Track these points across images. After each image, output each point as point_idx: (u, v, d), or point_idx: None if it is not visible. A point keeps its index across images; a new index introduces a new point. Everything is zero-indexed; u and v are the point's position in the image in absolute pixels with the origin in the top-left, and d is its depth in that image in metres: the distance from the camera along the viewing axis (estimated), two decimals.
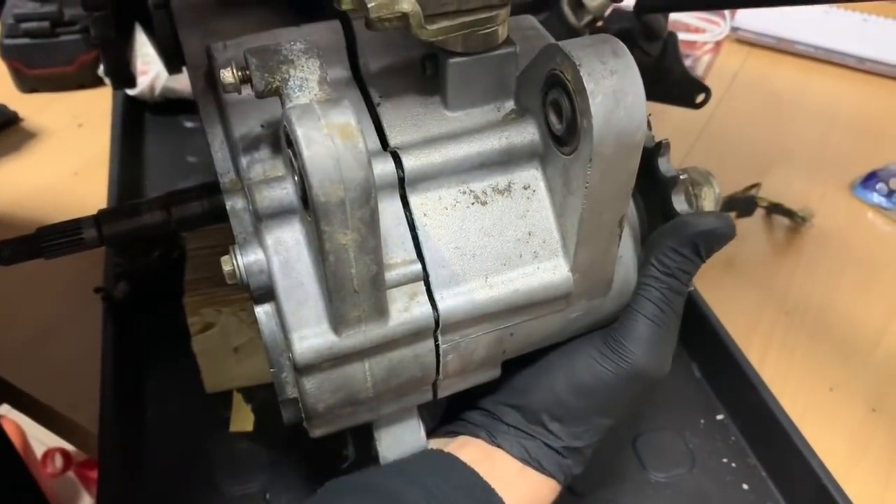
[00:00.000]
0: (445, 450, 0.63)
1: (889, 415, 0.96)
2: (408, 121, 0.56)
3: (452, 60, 0.53)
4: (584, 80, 0.46)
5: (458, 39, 0.51)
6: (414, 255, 0.54)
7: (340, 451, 0.88)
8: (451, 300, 0.54)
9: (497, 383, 0.65)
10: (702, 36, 1.45)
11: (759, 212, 1.11)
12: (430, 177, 0.54)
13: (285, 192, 0.52)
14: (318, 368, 0.53)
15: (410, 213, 0.54)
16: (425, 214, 0.54)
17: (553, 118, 0.52)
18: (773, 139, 1.42)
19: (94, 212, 0.65)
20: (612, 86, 0.46)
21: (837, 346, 1.04)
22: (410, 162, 0.53)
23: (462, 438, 0.65)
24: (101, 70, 1.41)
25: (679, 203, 0.59)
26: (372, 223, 0.47)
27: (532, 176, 0.55)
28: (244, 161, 0.54)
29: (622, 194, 0.52)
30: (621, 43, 0.47)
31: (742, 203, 1.16)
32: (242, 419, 0.92)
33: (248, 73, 0.49)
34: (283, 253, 0.52)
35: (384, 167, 0.53)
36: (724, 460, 0.90)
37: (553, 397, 0.61)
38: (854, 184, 1.29)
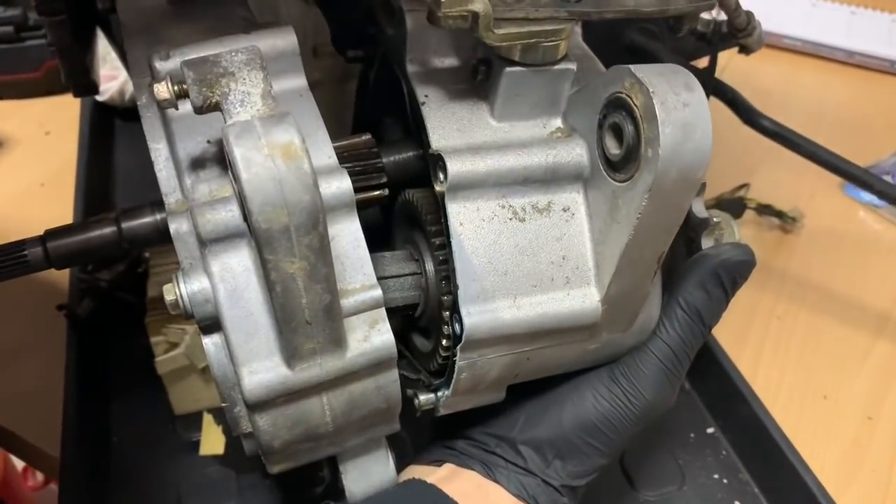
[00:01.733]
0: (429, 480, 0.59)
1: (885, 422, 0.93)
2: (452, 124, 0.54)
3: (509, 69, 0.51)
4: (656, 109, 0.44)
5: (518, 48, 0.50)
6: (374, 280, 0.50)
7: (315, 473, 0.84)
8: (477, 317, 0.52)
9: (487, 411, 0.62)
10: None
11: (749, 213, 1.07)
12: (472, 185, 0.52)
13: (231, 214, 0.48)
14: (271, 404, 0.49)
15: (447, 219, 0.52)
16: (461, 224, 0.52)
17: (610, 142, 0.50)
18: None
19: (60, 225, 0.61)
20: (682, 118, 0.45)
21: (831, 351, 1.01)
22: (455, 167, 0.51)
23: (448, 468, 0.62)
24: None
25: (707, 245, 0.58)
26: (321, 249, 0.43)
27: (573, 199, 0.53)
28: (188, 180, 0.51)
29: (670, 230, 0.51)
30: (693, 76, 0.46)
31: (730, 205, 1.13)
32: (213, 441, 0.88)
33: (184, 86, 0.45)
34: (229, 280, 0.48)
35: (339, 185, 0.50)
36: (716, 476, 0.86)
37: (560, 434, 0.59)
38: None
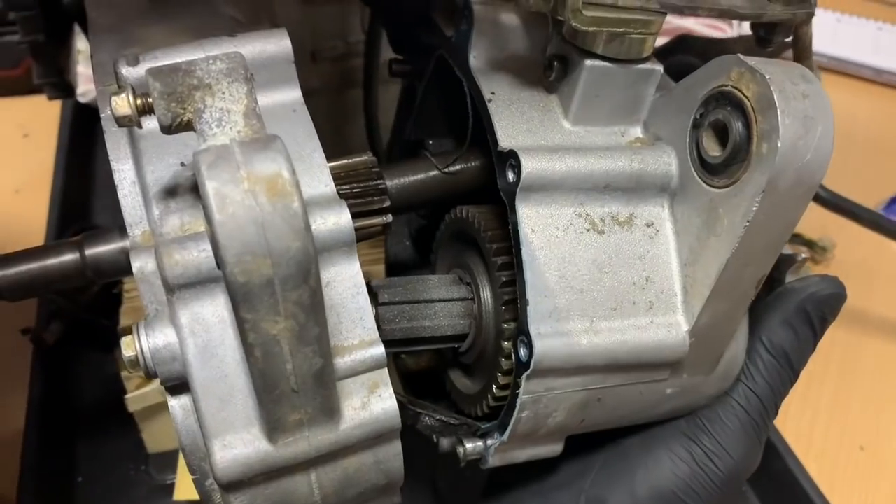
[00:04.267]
0: None
1: None
2: (521, 124, 0.48)
3: (590, 63, 0.46)
4: (775, 97, 0.40)
5: (602, 38, 0.45)
6: (375, 334, 0.42)
7: None
8: (550, 339, 0.45)
9: (536, 474, 0.54)
10: None
11: None
12: (547, 188, 0.46)
13: (205, 254, 0.39)
14: (248, 483, 0.41)
15: (517, 225, 0.45)
16: (533, 230, 0.46)
17: (709, 143, 0.45)
18: None
19: (36, 236, 0.53)
20: (803, 110, 0.40)
21: (866, 396, 0.93)
22: (530, 164, 0.45)
23: None
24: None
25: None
26: (313, 306, 0.35)
27: (657, 214, 0.48)
28: (157, 210, 0.42)
29: (776, 247, 0.46)
30: (808, 69, 0.42)
31: None
32: (189, 485, 0.79)
33: (149, 100, 0.36)
34: (201, 335, 0.40)
35: (337, 220, 0.42)
36: None
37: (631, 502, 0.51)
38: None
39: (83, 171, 1.15)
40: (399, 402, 0.43)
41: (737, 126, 0.42)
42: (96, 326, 0.86)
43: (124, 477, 0.80)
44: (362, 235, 0.52)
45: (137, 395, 0.74)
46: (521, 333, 0.45)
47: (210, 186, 0.32)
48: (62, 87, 0.86)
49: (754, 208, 0.42)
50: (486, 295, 0.51)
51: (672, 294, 0.47)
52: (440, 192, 0.55)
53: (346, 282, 0.42)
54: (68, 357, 0.85)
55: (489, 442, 0.50)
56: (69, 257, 0.51)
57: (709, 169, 0.45)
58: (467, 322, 0.51)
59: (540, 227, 0.46)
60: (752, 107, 0.41)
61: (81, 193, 1.11)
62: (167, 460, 0.81)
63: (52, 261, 0.51)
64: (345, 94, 0.89)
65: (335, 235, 0.41)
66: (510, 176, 0.46)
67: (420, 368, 0.64)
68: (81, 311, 0.87)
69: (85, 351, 0.86)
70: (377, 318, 0.49)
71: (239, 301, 0.34)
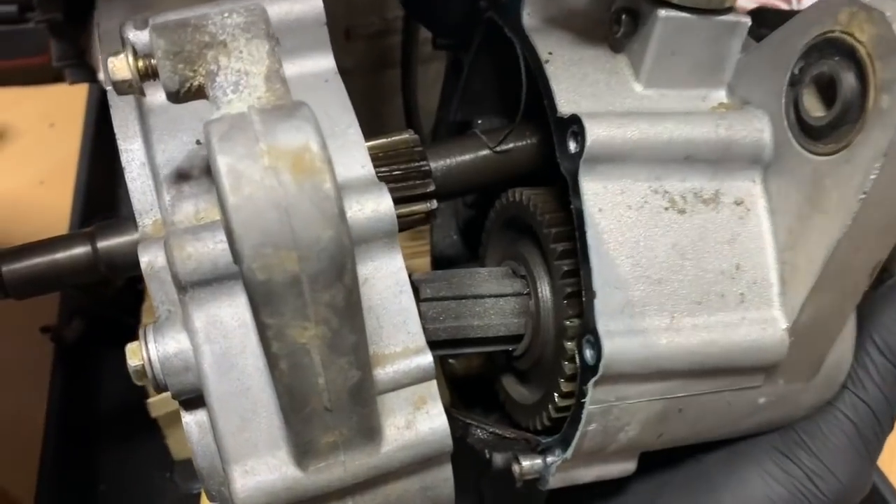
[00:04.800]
0: None
1: None
2: (584, 87, 0.42)
3: (664, 13, 0.40)
4: None
5: None
6: (421, 341, 0.36)
7: None
8: (621, 338, 0.38)
9: (602, 489, 0.47)
10: None
11: None
12: (616, 159, 0.40)
13: (222, 246, 0.34)
14: None
15: (580, 200, 0.39)
16: (600, 210, 0.39)
17: (811, 102, 0.39)
18: None
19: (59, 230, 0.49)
20: None
21: None
22: (596, 130, 0.39)
23: None
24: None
25: None
26: (349, 309, 0.29)
27: (748, 189, 0.42)
28: (168, 196, 0.37)
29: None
30: None
31: None
32: None
33: (153, 62, 0.30)
34: (218, 341, 0.34)
35: (376, 206, 0.35)
36: None
37: None
38: None
39: (109, 161, 1.10)
40: (446, 411, 0.37)
41: (847, 79, 0.36)
42: (120, 324, 0.82)
43: (149, 485, 0.76)
44: (404, 224, 0.46)
45: (160, 400, 0.69)
46: (587, 332, 0.39)
47: (222, 163, 0.26)
48: (83, 69, 0.81)
49: (872, 177, 0.35)
50: (545, 289, 0.45)
51: (767, 285, 0.41)
52: (491, 174, 0.48)
53: (387, 279, 0.36)
54: (90, 357, 0.81)
55: (549, 459, 0.44)
56: (80, 250, 0.46)
57: (811, 133, 0.39)
58: (522, 321, 0.45)
59: (608, 205, 0.40)
60: (868, 53, 0.35)
61: (107, 184, 1.06)
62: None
63: (62, 254, 0.46)
64: (381, 74, 0.84)
65: (374, 224, 0.35)
66: (572, 146, 0.40)
67: (470, 374, 0.58)
68: (104, 308, 0.82)
69: (108, 350, 0.82)
70: (420, 314, 0.43)
71: (259, 303, 0.27)
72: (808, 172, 0.39)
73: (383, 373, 0.35)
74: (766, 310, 0.41)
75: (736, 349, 0.40)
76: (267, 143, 0.26)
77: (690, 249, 0.40)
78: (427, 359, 0.36)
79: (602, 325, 0.38)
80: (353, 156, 0.38)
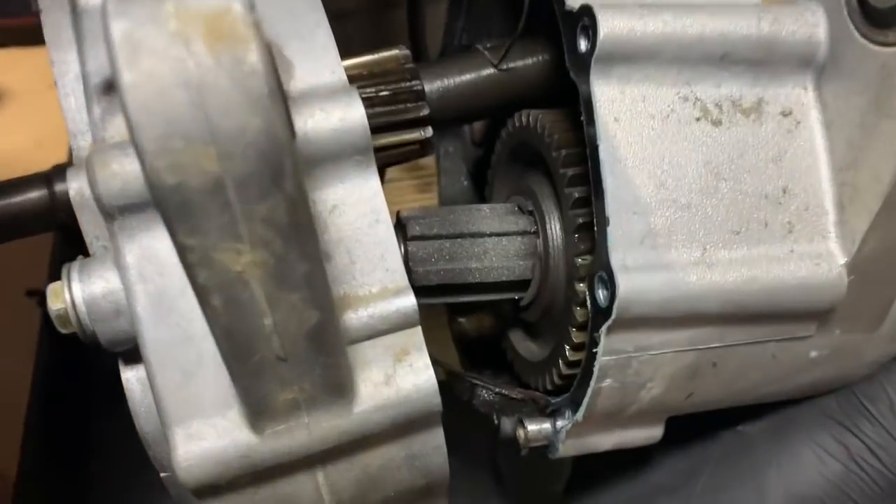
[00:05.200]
0: None
1: None
2: None
3: None
4: None
5: None
6: (403, 280, 0.30)
7: None
8: (640, 275, 0.33)
9: (631, 461, 0.42)
10: None
11: None
12: (637, 58, 0.34)
13: None
14: (227, 487, 0.30)
15: (591, 106, 0.33)
16: (616, 119, 0.33)
17: None
18: None
19: None
20: None
21: None
22: (610, 22, 0.33)
23: None
24: None
25: None
26: (295, 227, 0.23)
27: (797, 97, 0.36)
28: (97, 109, 0.31)
29: None
30: None
31: None
32: None
33: None
34: (153, 279, 0.29)
35: (343, 114, 0.29)
36: None
37: None
38: None
39: None
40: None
41: None
42: None
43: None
44: (393, 157, 0.40)
45: None
46: (601, 268, 0.33)
47: (116, 29, 0.20)
48: None
49: None
50: (554, 226, 0.39)
51: (821, 211, 0.35)
52: (496, 96, 0.42)
53: (360, 205, 0.30)
54: None
55: (559, 423, 0.38)
56: (36, 194, 0.41)
57: (879, 19, 0.33)
58: (529, 263, 0.39)
59: (627, 114, 0.33)
60: None
61: None
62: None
63: (17, 198, 0.41)
64: (386, 15, 0.78)
65: (342, 137, 0.29)
66: (582, 44, 0.33)
67: (482, 334, 0.51)
68: None
69: None
70: (406, 258, 0.36)
71: (173, 217, 0.21)
72: (875, 69, 0.33)
73: (356, 317, 0.29)
74: (820, 242, 0.35)
75: (782, 289, 0.34)
76: (175, 2, 0.20)
77: (727, 168, 0.34)
78: (409, 301, 0.30)
79: (617, 258, 0.32)
80: (321, 60, 0.32)
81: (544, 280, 0.39)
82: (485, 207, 0.40)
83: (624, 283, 0.32)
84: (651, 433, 0.39)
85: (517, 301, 0.41)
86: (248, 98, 0.20)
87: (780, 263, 0.34)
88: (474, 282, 0.38)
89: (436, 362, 0.31)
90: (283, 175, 0.21)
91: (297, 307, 0.25)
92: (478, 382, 0.42)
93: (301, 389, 0.27)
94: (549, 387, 0.40)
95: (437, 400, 0.30)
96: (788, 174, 0.35)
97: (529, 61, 0.42)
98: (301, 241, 0.23)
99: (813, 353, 0.38)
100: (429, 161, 0.63)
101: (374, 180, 0.30)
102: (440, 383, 0.31)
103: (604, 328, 0.32)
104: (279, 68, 0.30)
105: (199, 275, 0.23)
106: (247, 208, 0.22)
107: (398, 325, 0.30)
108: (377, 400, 0.29)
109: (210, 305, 0.24)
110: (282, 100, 0.21)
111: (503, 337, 0.46)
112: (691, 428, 0.40)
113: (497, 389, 0.40)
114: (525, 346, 0.44)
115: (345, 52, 0.42)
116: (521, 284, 0.39)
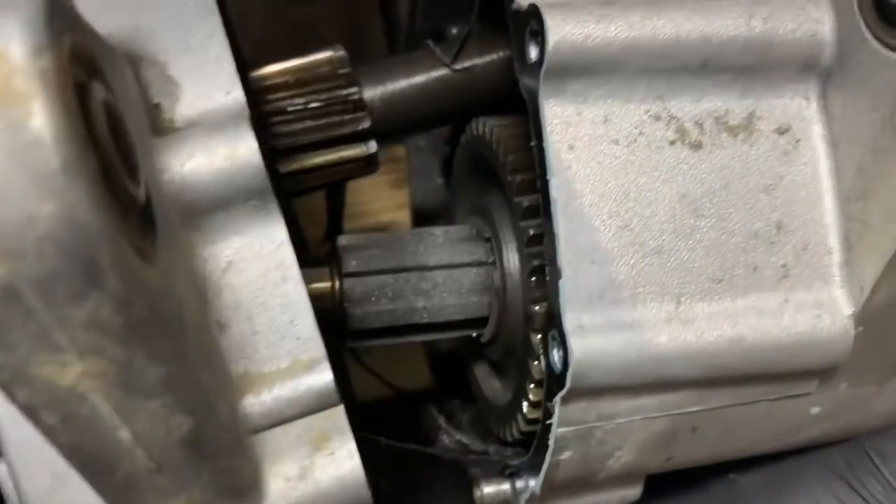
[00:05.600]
0: None
1: None
2: None
3: None
4: None
5: None
6: (319, 350, 0.25)
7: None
8: (598, 337, 0.28)
9: None
10: None
11: None
12: (596, 69, 0.28)
13: None
14: None
15: (542, 131, 0.28)
16: (571, 147, 0.28)
17: None
18: None
19: None
20: None
21: None
22: (560, 28, 0.27)
23: None
24: None
25: None
26: (133, 327, 0.18)
27: (797, 111, 0.30)
28: None
29: None
30: None
31: None
32: None
33: None
34: None
35: (233, 147, 0.24)
36: None
37: None
38: None
39: None
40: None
41: None
42: None
43: None
44: (332, 177, 0.34)
45: None
46: (554, 326, 0.28)
47: None
48: None
49: None
50: (511, 257, 0.33)
51: (823, 250, 0.30)
52: (451, 100, 0.36)
53: (261, 262, 0.25)
54: None
55: (519, 484, 0.33)
56: None
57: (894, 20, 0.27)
58: (485, 299, 0.34)
59: (584, 139, 0.28)
60: None
61: None
62: None
63: None
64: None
65: (230, 178, 0.24)
66: (532, 52, 0.27)
67: (452, 349, 0.46)
68: None
69: None
70: (340, 297, 0.31)
71: None
72: (890, 81, 0.27)
73: (258, 402, 0.24)
74: (821, 288, 0.30)
75: (774, 349, 0.29)
76: None
77: (708, 202, 0.29)
78: (325, 377, 0.25)
79: (571, 318, 0.27)
80: (214, 77, 0.26)
81: (503, 316, 0.33)
82: (438, 231, 0.35)
83: (579, 348, 0.26)
84: (627, 493, 0.34)
85: (478, 337, 0.36)
86: (33, 178, 0.15)
87: (772, 317, 0.29)
88: (423, 322, 0.33)
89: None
90: (98, 270, 0.16)
91: (159, 415, 0.20)
92: (442, 424, 0.37)
93: (189, 499, 0.22)
94: (509, 438, 0.35)
95: (366, 492, 0.25)
96: (784, 206, 0.29)
97: (488, 59, 0.36)
98: (148, 342, 0.18)
99: (815, 410, 0.32)
100: (403, 154, 0.57)
101: (278, 229, 0.25)
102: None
103: (558, 398, 0.27)
104: (161, 92, 0.24)
105: (17, 394, 0.18)
106: (58, 314, 0.16)
107: (313, 406, 0.25)
108: (290, 499, 0.24)
109: (43, 424, 0.19)
110: (92, 169, 0.16)
111: (468, 369, 0.40)
112: (675, 474, 0.35)
113: (458, 437, 0.35)
114: (490, 385, 0.38)
115: (314, 42, 0.37)
116: (478, 322, 0.34)
